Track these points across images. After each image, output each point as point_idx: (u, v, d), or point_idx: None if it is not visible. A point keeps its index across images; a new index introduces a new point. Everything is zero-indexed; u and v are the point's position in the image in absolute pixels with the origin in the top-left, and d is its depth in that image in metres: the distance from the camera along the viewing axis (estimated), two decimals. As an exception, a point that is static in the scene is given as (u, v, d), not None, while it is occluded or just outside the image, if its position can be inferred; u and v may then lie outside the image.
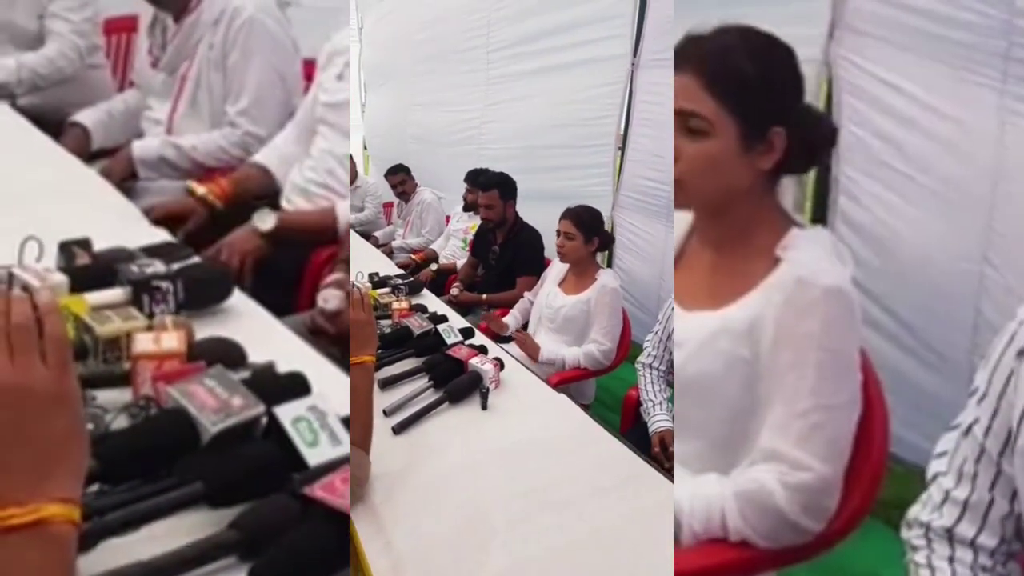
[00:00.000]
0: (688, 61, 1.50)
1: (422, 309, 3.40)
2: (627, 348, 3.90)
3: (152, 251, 2.09)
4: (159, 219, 2.59)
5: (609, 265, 5.84)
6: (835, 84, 3.31)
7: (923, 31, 2.91)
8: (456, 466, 2.06)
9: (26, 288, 1.66)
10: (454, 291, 4.99)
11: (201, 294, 1.89)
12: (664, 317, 3.04)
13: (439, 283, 5.57)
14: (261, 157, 3.04)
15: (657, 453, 2.73)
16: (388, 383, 2.55)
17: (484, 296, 4.92)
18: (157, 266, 1.84)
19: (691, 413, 1.62)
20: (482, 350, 2.79)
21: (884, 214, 3.13)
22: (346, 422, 1.33)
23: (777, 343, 1.49)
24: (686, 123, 1.49)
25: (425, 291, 4.06)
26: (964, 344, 2.84)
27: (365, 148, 10.98)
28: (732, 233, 1.65)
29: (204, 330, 1.70)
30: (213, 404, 1.26)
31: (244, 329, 1.82)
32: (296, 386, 1.40)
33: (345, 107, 2.88)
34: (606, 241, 4.03)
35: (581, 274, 3.88)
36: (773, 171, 1.59)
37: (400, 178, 7.19)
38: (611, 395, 4.12)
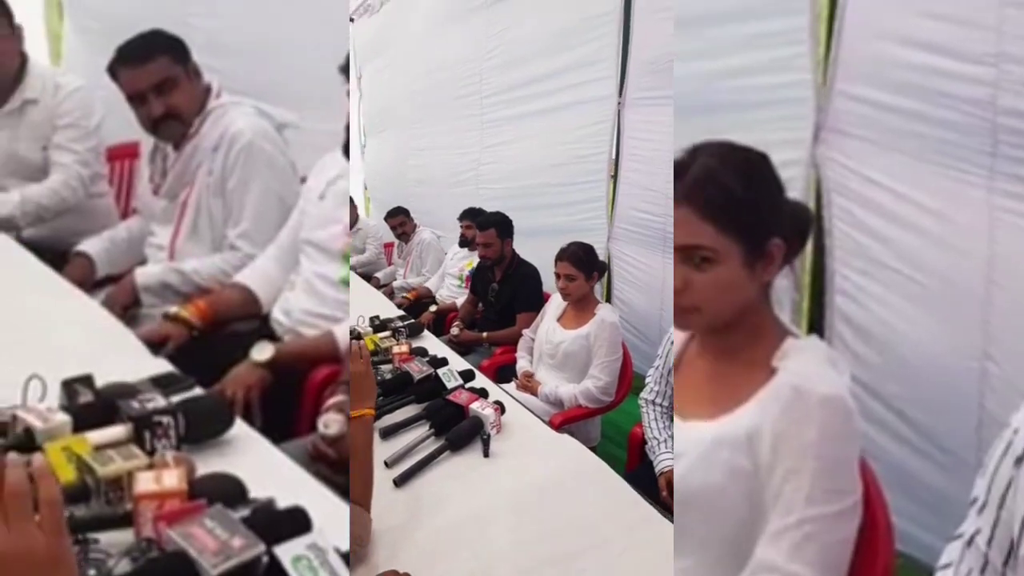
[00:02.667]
0: (678, 193, 1.50)
1: (422, 352, 3.45)
2: (630, 381, 3.93)
3: (154, 383, 2.11)
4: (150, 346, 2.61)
5: (608, 297, 6.05)
6: (823, 185, 3.34)
7: (908, 131, 2.95)
8: (459, 518, 2.07)
9: (28, 430, 1.68)
10: (454, 330, 5.06)
11: (202, 427, 1.90)
12: (664, 351, 3.05)
13: (439, 321, 5.69)
14: (243, 278, 3.08)
15: (665, 497, 2.71)
16: (389, 432, 2.60)
17: (485, 334, 4.99)
18: (158, 400, 1.85)
19: (693, 526, 1.61)
20: (482, 394, 2.84)
21: (883, 312, 3.14)
22: (346, 557, 1.33)
23: (775, 453, 1.48)
24: (690, 256, 1.50)
25: (425, 332, 4.14)
26: (970, 440, 2.82)
27: (366, 189, 11.37)
28: (733, 345, 1.65)
29: (205, 462, 1.71)
30: (213, 546, 1.26)
31: (245, 460, 1.84)
32: (296, 522, 1.40)
33: (330, 224, 2.91)
34: (602, 272, 4.08)
35: (580, 309, 3.93)
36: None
37: (399, 220, 7.44)
38: (618, 430, 4.11)
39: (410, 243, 7.46)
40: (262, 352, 2.60)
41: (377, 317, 4.04)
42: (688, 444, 1.60)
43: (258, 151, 3.24)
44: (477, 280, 5.48)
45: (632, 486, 2.30)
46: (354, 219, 8.24)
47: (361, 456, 1.99)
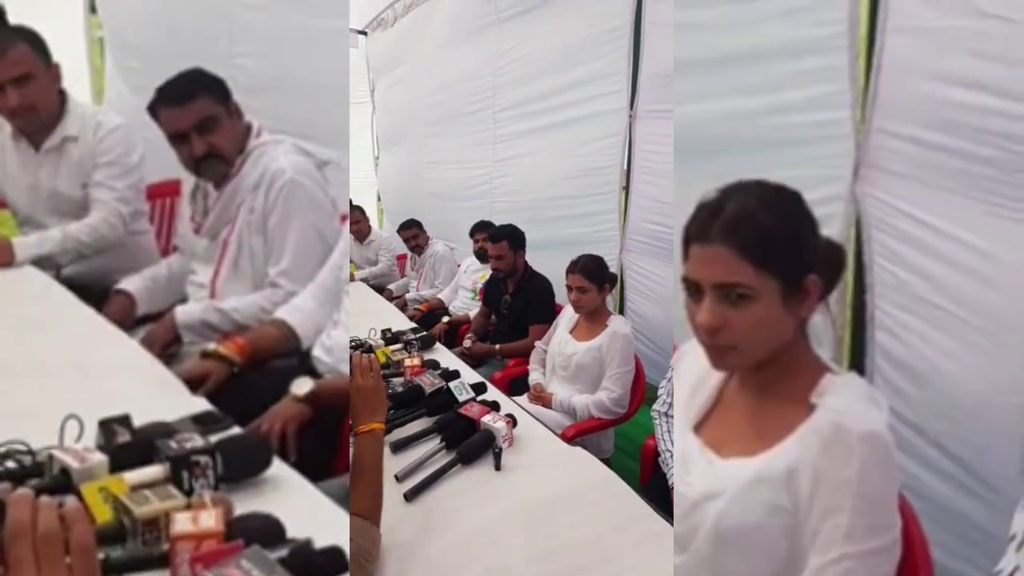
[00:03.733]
0: (714, 232, 1.51)
1: (434, 365, 3.50)
2: (643, 393, 3.97)
3: (193, 422, 2.13)
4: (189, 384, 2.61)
5: (621, 309, 6.20)
6: (863, 221, 3.32)
7: (947, 167, 2.93)
8: (470, 533, 2.09)
9: (65, 471, 1.69)
10: (467, 343, 5.13)
11: (240, 466, 1.90)
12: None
13: (452, 333, 5.80)
14: (282, 313, 3.09)
15: None
16: (400, 446, 2.64)
17: (497, 347, 5.04)
18: (196, 440, 1.85)
19: (731, 564, 1.60)
20: (494, 407, 2.87)
21: (924, 348, 3.11)
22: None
23: (815, 490, 1.49)
24: (727, 294, 1.51)
25: (437, 345, 4.19)
26: (1014, 476, 2.78)
27: (379, 200, 11.65)
28: (771, 382, 1.66)
29: (243, 501, 1.71)
30: (250, 587, 1.26)
31: (283, 500, 1.84)
32: (335, 563, 1.40)
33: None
34: (613, 283, 4.11)
35: (593, 320, 3.99)
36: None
37: (412, 232, 7.58)
38: (631, 442, 4.18)
39: (423, 255, 7.60)
40: (301, 387, 2.60)
41: (389, 330, 4.09)
42: (727, 481, 1.59)
43: (299, 188, 3.27)
44: (490, 292, 5.58)
45: (646, 499, 2.31)
46: (367, 231, 8.42)
47: (371, 471, 2.03)
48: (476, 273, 6.43)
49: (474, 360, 4.80)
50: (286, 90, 4.85)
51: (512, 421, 2.74)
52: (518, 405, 3.19)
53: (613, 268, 5.69)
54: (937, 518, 3.02)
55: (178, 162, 3.33)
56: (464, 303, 6.45)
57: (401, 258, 8.66)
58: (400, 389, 3.17)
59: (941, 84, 2.93)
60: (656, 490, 2.94)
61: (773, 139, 3.59)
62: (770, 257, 1.50)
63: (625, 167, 6.20)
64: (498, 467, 2.52)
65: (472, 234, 6.53)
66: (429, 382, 3.09)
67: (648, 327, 5.99)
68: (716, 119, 3.73)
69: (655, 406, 3.21)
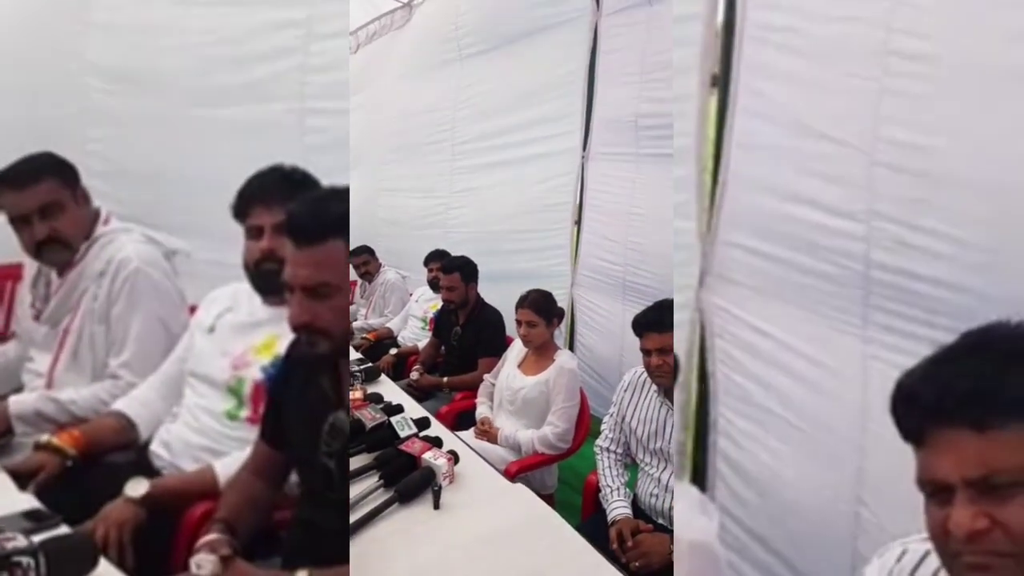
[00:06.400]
0: None
1: (377, 398, 3.46)
2: (587, 427, 3.99)
3: (19, 519, 2.05)
4: (14, 477, 2.51)
5: (571, 342, 6.62)
6: (707, 329, 3.42)
7: (786, 280, 3.05)
8: (406, 575, 2.06)
9: None
10: (414, 375, 5.04)
11: (65, 568, 1.83)
12: (618, 399, 3.09)
13: (401, 363, 5.74)
14: (121, 405, 3.00)
15: (616, 550, 2.70)
16: None
17: (445, 379, 4.99)
18: (19, 540, 1.78)
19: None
20: (437, 443, 2.84)
21: (762, 455, 3.19)
22: None
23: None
24: None
25: (383, 377, 4.15)
26: (848, 584, 2.86)
27: None
28: None
29: (67, 606, 1.66)
30: None
31: (109, 604, 1.78)
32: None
33: (217, 358, 2.88)
34: (560, 318, 4.15)
35: (540, 355, 4.02)
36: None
37: (363, 259, 7.46)
38: (576, 475, 4.18)
39: (374, 283, 7.52)
40: (136, 488, 2.49)
41: None
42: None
43: (144, 278, 3.19)
44: (441, 323, 5.58)
45: (588, 536, 2.31)
46: None
47: None
48: (428, 303, 6.41)
49: (421, 393, 4.80)
50: (140, 177, 4.77)
51: (454, 458, 2.73)
52: (462, 440, 3.18)
53: (564, 302, 6.03)
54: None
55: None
56: (414, 333, 6.39)
57: (350, 284, 8.50)
58: (340, 425, 3.14)
59: (780, 200, 3.06)
60: (596, 527, 2.94)
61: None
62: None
63: (578, 204, 6.44)
64: (437, 506, 2.50)
65: (427, 263, 6.53)
66: (370, 416, 3.06)
67: (596, 360, 6.19)
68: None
69: (598, 441, 3.27)
